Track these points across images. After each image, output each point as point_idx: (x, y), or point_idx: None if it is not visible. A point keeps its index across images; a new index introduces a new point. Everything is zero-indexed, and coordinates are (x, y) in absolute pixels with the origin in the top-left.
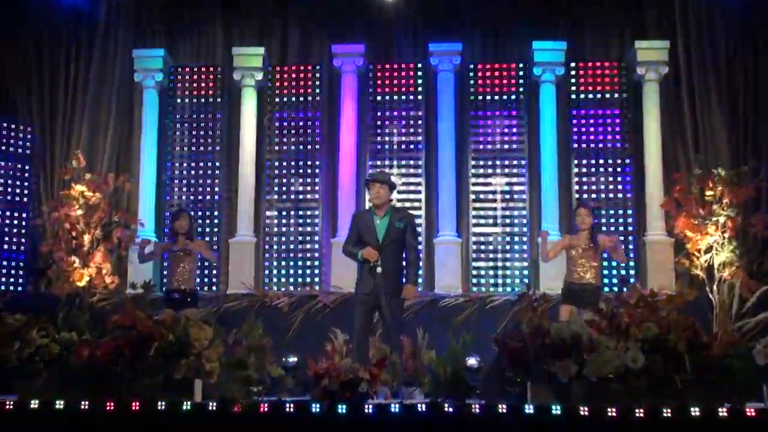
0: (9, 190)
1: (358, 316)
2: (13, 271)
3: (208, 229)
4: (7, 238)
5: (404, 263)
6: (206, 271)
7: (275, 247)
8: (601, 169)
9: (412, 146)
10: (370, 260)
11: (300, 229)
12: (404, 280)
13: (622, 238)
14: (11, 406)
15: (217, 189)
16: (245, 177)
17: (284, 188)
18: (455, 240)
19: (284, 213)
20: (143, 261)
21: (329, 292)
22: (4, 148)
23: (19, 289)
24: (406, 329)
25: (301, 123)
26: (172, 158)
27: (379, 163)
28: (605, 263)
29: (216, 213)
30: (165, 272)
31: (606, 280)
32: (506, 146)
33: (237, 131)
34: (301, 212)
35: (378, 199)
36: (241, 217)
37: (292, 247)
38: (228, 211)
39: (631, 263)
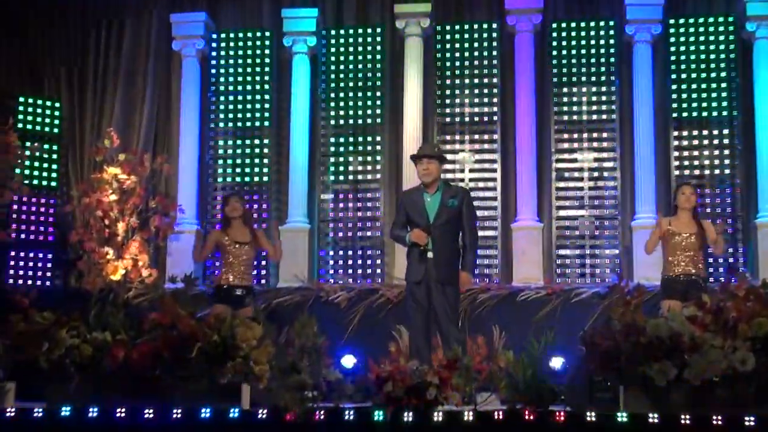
0: (35, 173)
1: (411, 311)
2: (40, 264)
3: (256, 215)
4: (33, 227)
5: (460, 247)
6: (254, 262)
7: (331, 234)
8: (705, 142)
9: (486, 118)
10: (419, 243)
11: (360, 214)
12: (460, 266)
13: (730, 221)
14: (40, 414)
15: (266, 170)
16: (297, 156)
17: (342, 168)
18: (536, 225)
19: (342, 196)
20: (199, 259)
21: (393, 285)
22: (30, 127)
23: (47, 283)
24: (480, 327)
25: (359, 94)
26: (215, 136)
27: (448, 138)
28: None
29: (265, 197)
30: (222, 264)
31: (710, 269)
32: (594, 117)
33: (288, 105)
34: (360, 195)
35: (427, 176)
36: (294, 202)
37: (350, 234)
38: (278, 195)
39: (740, 249)
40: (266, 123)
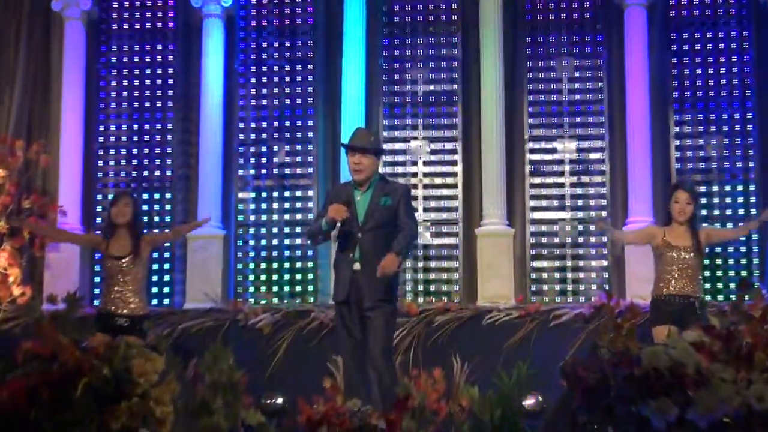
0: None
1: (341, 339)
2: None
3: (158, 219)
4: None
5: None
6: (155, 277)
7: (252, 242)
8: (713, 128)
9: (444, 98)
10: (336, 218)
11: (287, 217)
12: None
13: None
14: None
15: (168, 162)
16: (209, 144)
17: (265, 160)
18: (506, 230)
19: (265, 195)
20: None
21: (328, 305)
22: None
23: None
24: (438, 357)
25: (286, 66)
26: (105, 119)
27: (397, 122)
28: (718, 260)
29: (168, 196)
30: (102, 281)
31: (719, 284)
32: (577, 97)
33: (197, 81)
34: (288, 194)
35: (358, 173)
36: (204, 202)
37: (275, 242)
38: (185, 193)
39: (754, 260)
40: (169, 103)
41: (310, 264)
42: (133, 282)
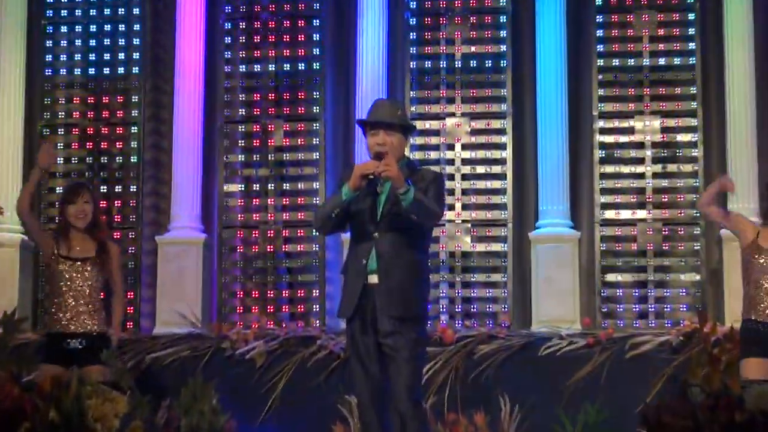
0: None
1: (353, 372)
2: None
3: (119, 218)
4: None
5: (418, 262)
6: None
7: (240, 249)
8: None
9: (488, 62)
10: (366, 172)
11: (286, 216)
12: (414, 286)
13: None
14: None
15: (134, 145)
16: (186, 124)
17: (257, 143)
18: (569, 234)
19: (257, 187)
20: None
21: (339, 329)
22: None
23: None
24: (481, 396)
25: (285, 22)
26: (52, 90)
27: (428, 94)
28: None
29: (133, 189)
30: (46, 296)
31: None
32: (662, 61)
33: (170, 44)
34: (287, 186)
35: (384, 155)
36: (180, 197)
37: (271, 248)
38: (155, 186)
39: None
40: (135, 70)
41: (314, 277)
42: (92, 293)
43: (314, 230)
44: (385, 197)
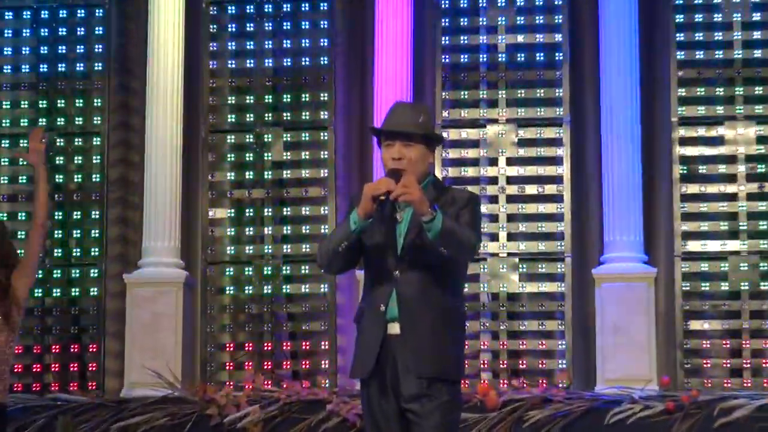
0: None
1: None
2: None
3: (77, 252)
4: None
5: (451, 307)
6: (73, 347)
7: (232, 290)
8: None
9: (540, 55)
10: (378, 193)
11: (288, 249)
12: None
13: None
14: None
15: (96, 160)
16: (161, 133)
17: (251, 156)
18: (643, 271)
19: (252, 213)
20: None
21: (354, 393)
22: None
23: None
24: None
25: (285, 5)
26: None
27: (464, 95)
28: None
29: (95, 216)
30: None
31: None
32: (757, 53)
33: (141, 34)
34: (290, 210)
35: (400, 172)
36: (153, 226)
37: (269, 289)
38: (122, 210)
39: None
40: (97, 66)
41: (323, 325)
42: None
43: (320, 268)
44: (407, 226)
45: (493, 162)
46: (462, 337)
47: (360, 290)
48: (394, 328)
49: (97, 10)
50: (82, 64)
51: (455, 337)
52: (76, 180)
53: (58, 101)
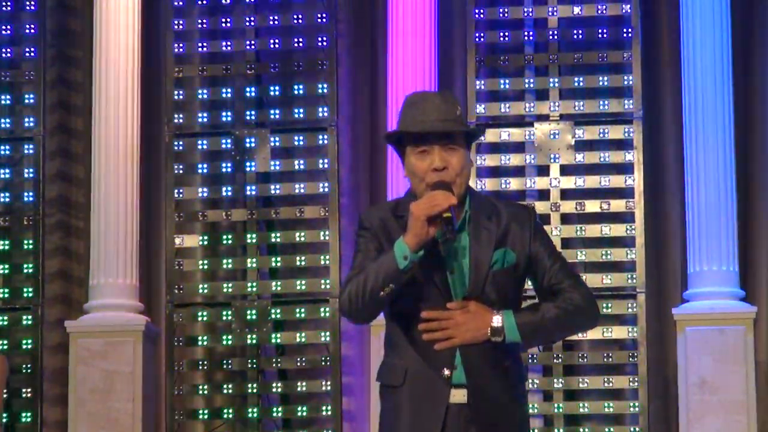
0: None
1: None
2: None
3: (5, 292)
4: None
5: (518, 365)
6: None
7: (203, 340)
8: None
9: (602, 38)
10: (435, 209)
11: (277, 286)
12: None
13: None
14: None
15: (28, 174)
16: (111, 138)
17: (229, 167)
18: (739, 311)
19: (230, 240)
20: None
21: None
22: None
23: None
24: None
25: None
26: None
27: (506, 84)
28: None
29: (28, 246)
30: None
31: None
32: None
33: (87, 13)
34: (280, 237)
35: (449, 185)
36: (103, 259)
37: (253, 339)
38: (61, 241)
39: None
40: (29, 54)
41: (324, 385)
42: None
43: (347, 317)
44: (469, 263)
45: (543, 171)
46: (527, 396)
47: (373, 339)
48: (459, 395)
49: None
50: (8, 50)
51: (526, 402)
52: (2, 200)
53: None
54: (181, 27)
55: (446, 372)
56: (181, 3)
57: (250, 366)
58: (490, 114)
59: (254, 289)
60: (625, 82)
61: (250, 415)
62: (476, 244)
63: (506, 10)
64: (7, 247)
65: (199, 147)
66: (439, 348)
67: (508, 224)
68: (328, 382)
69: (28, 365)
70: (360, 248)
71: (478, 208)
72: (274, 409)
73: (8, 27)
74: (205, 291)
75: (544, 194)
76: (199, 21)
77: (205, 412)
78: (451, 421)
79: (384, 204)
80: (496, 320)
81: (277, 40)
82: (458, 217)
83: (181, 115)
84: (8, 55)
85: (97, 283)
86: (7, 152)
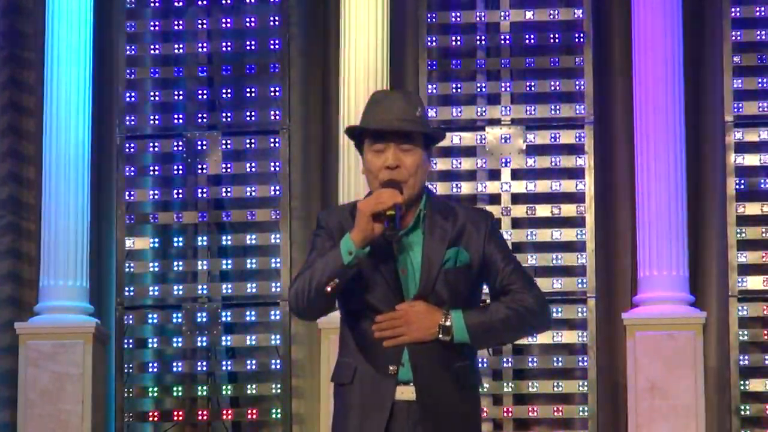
0: None
1: None
2: None
3: None
4: None
5: (470, 365)
6: None
7: (153, 343)
8: None
9: (554, 43)
10: (381, 208)
11: (227, 289)
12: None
13: None
14: None
15: None
16: (61, 140)
17: (181, 169)
18: (688, 315)
19: (182, 242)
20: None
21: None
22: None
23: None
24: None
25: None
26: None
27: (457, 87)
28: None
29: None
30: None
31: None
32: None
33: (36, 10)
34: (230, 239)
35: (399, 184)
36: (53, 261)
37: (203, 342)
38: (11, 243)
39: None
40: None
41: (274, 387)
42: None
43: (294, 313)
44: (420, 262)
45: (495, 175)
46: (480, 399)
47: (322, 341)
48: (407, 392)
49: None
50: None
51: (478, 403)
52: None
53: None
54: (133, 29)
55: (392, 368)
56: (133, 5)
57: (200, 369)
58: (441, 118)
59: (205, 291)
60: (577, 87)
61: (200, 417)
62: (429, 242)
63: (459, 14)
64: None
65: (151, 149)
66: (387, 345)
67: (464, 225)
68: (279, 385)
69: None
70: (315, 246)
71: (435, 209)
72: (224, 412)
73: None
74: (156, 293)
75: (495, 198)
76: (152, 23)
77: (155, 414)
78: (398, 417)
79: (344, 205)
80: (445, 319)
81: (229, 43)
82: (411, 216)
83: (132, 117)
84: None
85: (47, 285)
86: None
